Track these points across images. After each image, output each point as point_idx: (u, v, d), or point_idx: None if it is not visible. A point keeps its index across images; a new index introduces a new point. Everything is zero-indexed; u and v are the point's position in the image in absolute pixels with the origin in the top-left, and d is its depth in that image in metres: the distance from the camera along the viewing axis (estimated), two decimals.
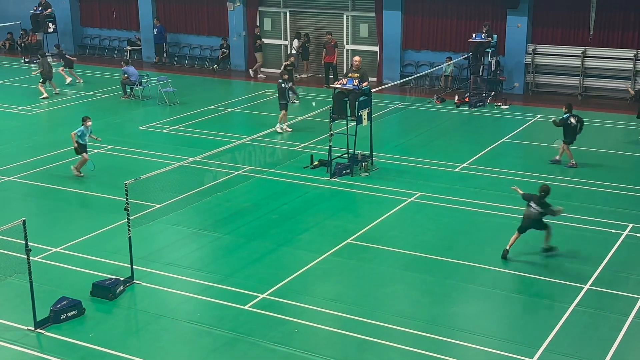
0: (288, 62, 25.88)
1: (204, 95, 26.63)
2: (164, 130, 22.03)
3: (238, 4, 30.19)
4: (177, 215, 15.50)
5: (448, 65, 26.56)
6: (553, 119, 18.51)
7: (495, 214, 15.47)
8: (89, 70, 30.41)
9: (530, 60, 25.90)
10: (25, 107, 24.86)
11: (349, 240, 14.29)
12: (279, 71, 25.99)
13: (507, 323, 11.58)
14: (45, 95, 25.86)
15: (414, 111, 24.34)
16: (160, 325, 11.44)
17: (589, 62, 25.30)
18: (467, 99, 24.64)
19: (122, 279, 12.48)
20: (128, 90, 26.09)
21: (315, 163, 18.46)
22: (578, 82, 25.54)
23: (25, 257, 11.08)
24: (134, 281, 12.63)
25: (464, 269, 13.16)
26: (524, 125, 22.32)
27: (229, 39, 31.03)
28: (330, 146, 17.87)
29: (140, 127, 22.37)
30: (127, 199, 12.48)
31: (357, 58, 18.63)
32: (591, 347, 10.72)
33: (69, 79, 28.00)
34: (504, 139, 20.88)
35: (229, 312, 11.72)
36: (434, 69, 26.73)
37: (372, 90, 18.63)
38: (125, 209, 12.47)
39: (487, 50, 24.64)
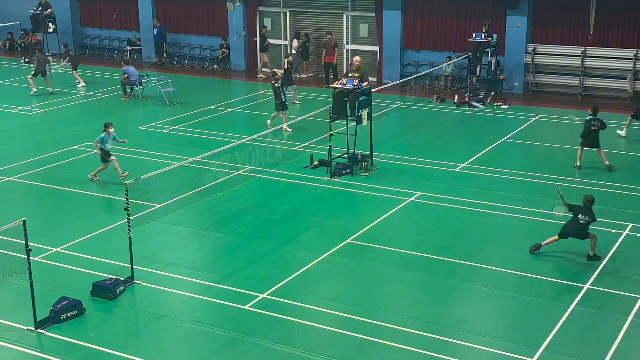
0: (286, 65, 25.82)
1: (203, 95, 26.63)
2: (164, 130, 22.03)
3: (238, 4, 30.18)
4: (177, 215, 15.49)
5: (448, 65, 26.57)
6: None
7: (495, 214, 15.47)
8: (89, 70, 30.37)
9: (530, 60, 25.89)
10: (25, 107, 24.86)
11: (349, 240, 14.28)
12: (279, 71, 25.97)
13: (507, 323, 11.57)
14: (35, 90, 25.89)
15: (413, 111, 24.34)
16: (160, 325, 11.44)
17: (589, 62, 25.30)
18: (467, 99, 24.64)
19: (122, 278, 12.48)
20: (128, 90, 26.08)
21: (315, 163, 18.45)
22: (578, 81, 25.55)
23: (26, 257, 11.08)
24: (134, 281, 12.63)
25: (464, 269, 13.16)
26: (524, 125, 22.31)
27: (229, 39, 31.04)
28: (330, 146, 17.87)
29: (140, 127, 22.36)
30: (127, 199, 12.49)
31: (357, 58, 18.68)
32: (591, 347, 10.72)
33: (82, 83, 27.87)
34: (503, 139, 20.87)
35: (229, 312, 11.71)
36: (433, 69, 26.75)
37: (372, 90, 18.64)
38: (126, 209, 12.48)
39: (487, 50, 24.64)
